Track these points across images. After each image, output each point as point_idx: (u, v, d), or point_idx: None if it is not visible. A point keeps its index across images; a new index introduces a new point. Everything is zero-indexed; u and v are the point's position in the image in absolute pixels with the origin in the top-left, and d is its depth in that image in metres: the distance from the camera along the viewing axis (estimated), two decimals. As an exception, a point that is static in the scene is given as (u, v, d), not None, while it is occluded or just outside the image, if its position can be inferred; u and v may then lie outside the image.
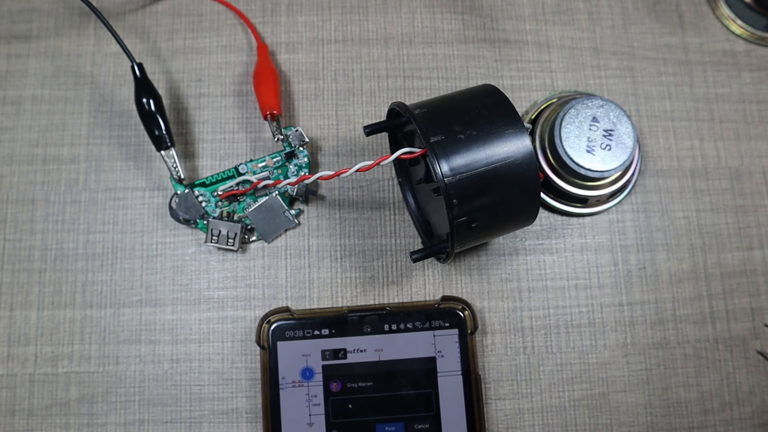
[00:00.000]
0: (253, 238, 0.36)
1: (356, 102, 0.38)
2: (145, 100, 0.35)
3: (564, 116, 0.34)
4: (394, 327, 0.34)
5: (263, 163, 0.36)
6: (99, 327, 0.35)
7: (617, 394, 0.35)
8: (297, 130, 0.36)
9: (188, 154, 0.37)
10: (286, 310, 0.34)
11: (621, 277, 0.36)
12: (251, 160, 0.36)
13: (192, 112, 0.38)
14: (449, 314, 0.34)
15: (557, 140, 0.34)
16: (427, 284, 0.36)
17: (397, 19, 0.40)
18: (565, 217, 0.37)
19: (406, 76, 0.39)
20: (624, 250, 0.37)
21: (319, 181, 0.32)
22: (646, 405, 0.35)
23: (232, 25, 0.39)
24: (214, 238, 0.35)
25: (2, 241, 0.36)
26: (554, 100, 0.37)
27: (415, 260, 0.31)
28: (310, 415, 0.32)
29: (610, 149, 0.34)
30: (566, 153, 0.34)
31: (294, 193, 0.36)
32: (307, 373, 0.33)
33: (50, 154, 0.37)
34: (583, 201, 0.36)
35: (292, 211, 0.36)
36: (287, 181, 0.33)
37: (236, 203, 0.36)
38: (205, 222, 0.35)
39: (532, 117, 0.37)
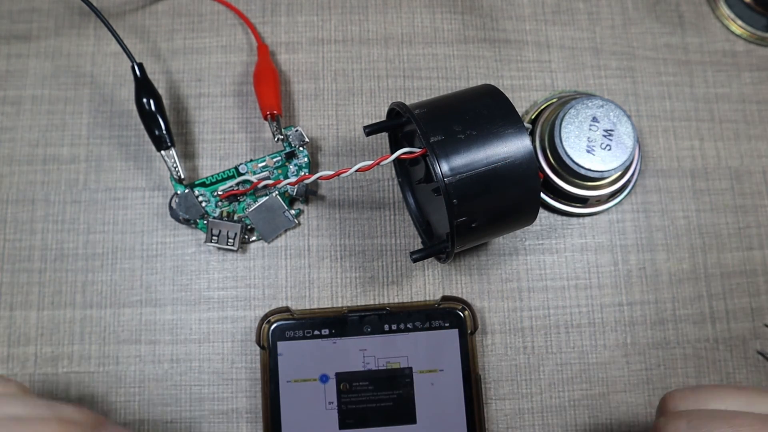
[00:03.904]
0: (253, 238, 0.36)
1: (356, 102, 0.38)
2: (145, 100, 0.35)
3: (564, 116, 0.34)
4: (394, 327, 0.34)
5: (263, 163, 0.36)
6: (99, 327, 0.35)
7: (617, 394, 0.35)
8: (297, 130, 0.36)
9: (188, 154, 0.37)
10: (286, 310, 0.34)
11: (621, 277, 0.36)
12: (251, 160, 0.36)
13: (192, 112, 0.38)
14: (449, 314, 0.34)
15: (557, 140, 0.34)
16: (427, 284, 0.36)
17: (397, 19, 0.40)
18: (565, 217, 0.37)
19: (406, 76, 0.39)
20: (624, 250, 0.37)
21: (319, 181, 0.32)
22: (646, 405, 0.35)
23: (232, 25, 0.39)
24: (214, 238, 0.35)
25: (2, 241, 0.36)
26: (554, 100, 0.37)
27: (415, 260, 0.31)
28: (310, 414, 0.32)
29: (610, 149, 0.34)
30: (566, 153, 0.34)
31: (294, 193, 0.36)
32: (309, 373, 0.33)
33: (50, 154, 0.37)
34: (583, 201, 0.36)
35: (292, 211, 0.36)
36: (287, 181, 0.33)
37: (236, 203, 0.36)
38: (205, 222, 0.35)
39: (532, 117, 0.37)
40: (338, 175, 0.30)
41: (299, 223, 0.36)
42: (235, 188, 0.35)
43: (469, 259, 0.36)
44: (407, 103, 0.36)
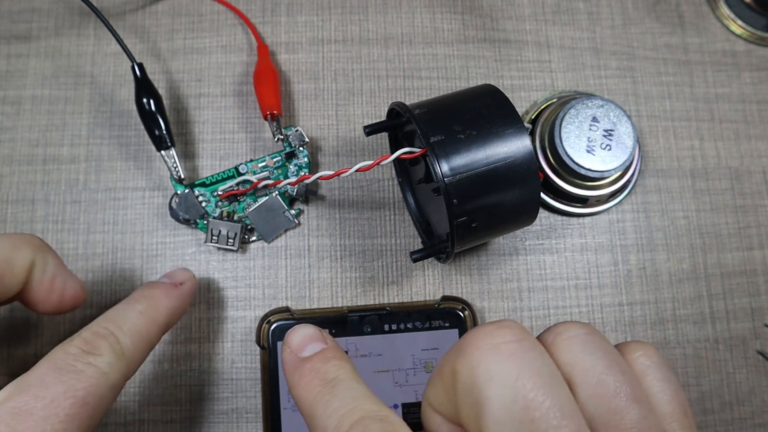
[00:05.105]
0: (253, 238, 0.36)
1: (356, 102, 0.38)
2: (145, 100, 0.35)
3: (564, 116, 0.34)
4: (394, 327, 0.34)
5: (263, 163, 0.36)
6: (99, 327, 0.35)
7: (617, 394, 0.35)
8: (297, 130, 0.36)
9: (188, 154, 0.37)
10: (286, 310, 0.34)
11: (621, 277, 0.36)
12: (251, 160, 0.36)
13: (192, 112, 0.38)
14: (449, 314, 0.34)
15: (557, 140, 0.34)
16: (427, 284, 0.36)
17: (397, 19, 0.40)
18: (565, 217, 0.37)
19: (406, 76, 0.39)
20: (624, 250, 0.37)
21: (319, 181, 0.32)
22: (646, 405, 0.35)
23: (232, 25, 0.39)
24: (214, 238, 0.35)
25: (2, 241, 0.36)
26: (554, 100, 0.37)
27: (415, 260, 0.31)
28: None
29: (610, 149, 0.34)
30: (566, 153, 0.34)
31: (294, 193, 0.36)
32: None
33: (50, 154, 0.37)
34: (583, 201, 0.36)
35: (292, 211, 0.36)
36: (287, 181, 0.33)
37: (236, 203, 0.36)
38: (205, 222, 0.35)
39: (532, 117, 0.37)
40: (338, 175, 0.30)
41: (299, 223, 0.36)
42: (235, 188, 0.35)
43: (469, 259, 0.36)
44: (407, 103, 0.36)
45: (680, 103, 0.39)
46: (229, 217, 0.35)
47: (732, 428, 0.35)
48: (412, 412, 0.33)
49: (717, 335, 0.36)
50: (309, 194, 0.36)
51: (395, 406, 0.33)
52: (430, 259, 0.36)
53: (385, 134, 0.37)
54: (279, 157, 0.36)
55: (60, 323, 0.35)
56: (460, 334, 0.33)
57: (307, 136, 0.36)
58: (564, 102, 0.36)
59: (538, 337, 0.21)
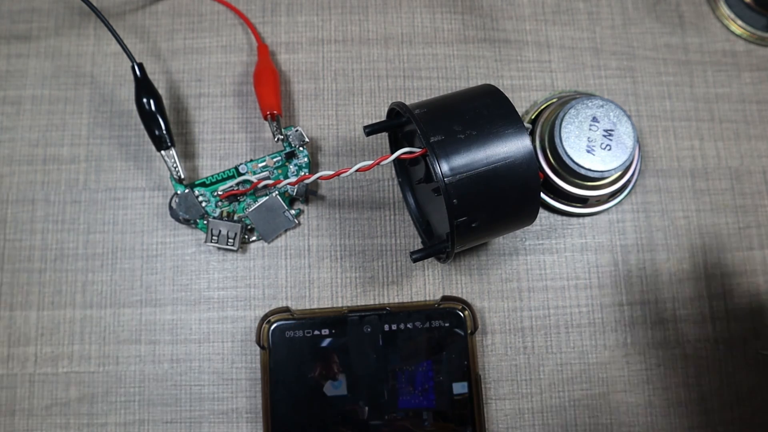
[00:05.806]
0: (253, 238, 0.36)
1: (356, 102, 0.38)
2: (145, 100, 0.35)
3: (564, 116, 0.34)
4: (394, 327, 0.34)
5: (263, 163, 0.36)
6: (99, 327, 0.35)
7: (617, 394, 0.35)
8: (297, 130, 0.36)
9: (188, 154, 0.37)
10: (286, 310, 0.34)
11: (621, 277, 0.36)
12: (251, 160, 0.36)
13: (192, 112, 0.38)
14: (449, 314, 0.34)
15: (557, 140, 0.34)
16: (427, 284, 0.36)
17: (397, 19, 0.40)
18: (565, 217, 0.37)
19: (406, 76, 0.39)
20: (624, 250, 0.37)
21: (319, 181, 0.32)
22: (646, 405, 0.35)
23: (232, 25, 0.39)
24: (214, 238, 0.35)
25: (2, 241, 0.36)
26: (554, 100, 0.37)
27: (415, 260, 0.31)
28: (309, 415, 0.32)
29: (610, 149, 0.34)
30: (566, 153, 0.34)
31: (294, 193, 0.36)
32: (306, 373, 0.33)
33: (50, 154, 0.37)
34: (583, 201, 0.36)
35: (292, 211, 0.36)
36: (287, 181, 0.33)
37: (236, 203, 0.36)
38: (205, 222, 0.35)
39: (532, 117, 0.37)
40: (338, 175, 0.30)
41: (299, 223, 0.36)
42: (235, 188, 0.35)
43: (469, 259, 0.36)
44: (407, 103, 0.36)
45: (680, 103, 0.39)
46: (229, 217, 0.35)
47: (732, 428, 0.35)
48: (413, 413, 0.33)
49: (717, 335, 0.36)
50: (309, 194, 0.36)
51: (397, 407, 0.33)
52: (430, 259, 0.36)
53: (385, 134, 0.37)
54: (279, 157, 0.36)
55: (60, 323, 0.35)
56: (461, 334, 0.33)
57: (307, 136, 0.36)
58: (564, 102, 0.36)
59: None
